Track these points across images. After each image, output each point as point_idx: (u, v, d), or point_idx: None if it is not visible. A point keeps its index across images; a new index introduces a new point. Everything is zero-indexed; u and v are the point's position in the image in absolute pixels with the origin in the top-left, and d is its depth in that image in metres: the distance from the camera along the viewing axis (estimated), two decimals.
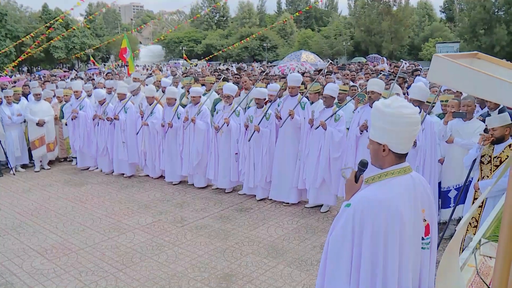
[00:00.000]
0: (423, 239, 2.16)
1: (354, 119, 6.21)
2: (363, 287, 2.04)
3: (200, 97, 7.88)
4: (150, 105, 8.42)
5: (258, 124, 6.90)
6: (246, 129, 7.11)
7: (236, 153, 7.38)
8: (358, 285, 2.06)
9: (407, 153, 2.16)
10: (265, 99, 7.18)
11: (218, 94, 8.63)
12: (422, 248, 2.17)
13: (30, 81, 19.12)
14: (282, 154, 6.95)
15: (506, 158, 4.49)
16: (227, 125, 7.23)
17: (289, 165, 6.91)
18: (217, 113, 7.69)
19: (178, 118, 7.88)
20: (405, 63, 6.99)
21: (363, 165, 2.25)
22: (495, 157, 4.62)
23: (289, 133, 6.86)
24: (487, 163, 4.68)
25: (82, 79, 19.77)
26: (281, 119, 6.79)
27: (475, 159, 4.71)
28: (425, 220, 2.17)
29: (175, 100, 8.16)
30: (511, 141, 4.59)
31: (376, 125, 2.14)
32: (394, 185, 2.09)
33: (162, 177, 8.54)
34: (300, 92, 7.24)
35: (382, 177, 2.13)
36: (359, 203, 2.09)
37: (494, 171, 4.61)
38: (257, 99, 7.13)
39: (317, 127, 6.29)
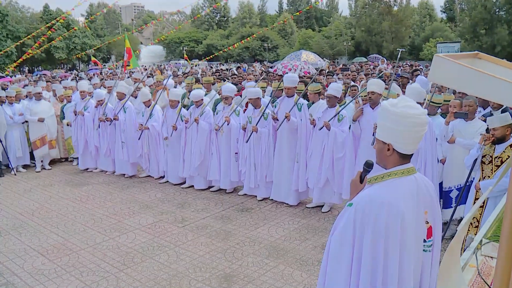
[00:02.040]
0: (424, 241, 2.15)
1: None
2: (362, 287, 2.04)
3: (202, 99, 7.81)
4: (148, 108, 8.41)
5: (256, 125, 6.90)
6: (245, 130, 7.12)
7: (236, 153, 7.38)
8: (358, 285, 2.06)
9: (411, 154, 2.16)
10: (259, 98, 7.16)
11: (220, 94, 8.62)
12: (423, 250, 2.16)
13: (30, 81, 19.14)
14: (280, 156, 6.95)
15: (507, 158, 4.49)
16: (228, 124, 7.24)
17: (287, 167, 6.91)
18: (217, 113, 7.69)
19: (182, 121, 7.86)
20: (400, 50, 6.94)
21: (368, 166, 2.25)
22: (496, 157, 4.62)
23: (285, 135, 6.86)
24: (488, 163, 4.67)
25: (82, 79, 19.78)
26: (277, 120, 6.79)
27: (476, 159, 4.71)
28: (428, 222, 2.16)
29: (178, 102, 8.15)
30: None
31: (382, 124, 2.15)
32: (397, 186, 2.08)
33: (162, 177, 8.53)
34: (298, 92, 7.32)
35: (385, 177, 2.12)
36: (360, 202, 2.09)
37: (495, 171, 4.60)
38: (251, 100, 7.13)
39: (321, 128, 6.28)
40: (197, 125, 7.57)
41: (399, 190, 2.07)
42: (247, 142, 7.05)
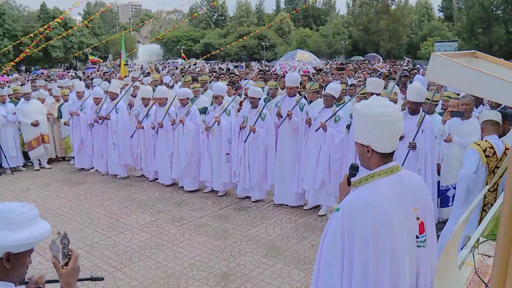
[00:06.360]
0: (417, 237, 2.14)
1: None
2: None
3: (188, 98, 7.70)
4: (145, 106, 8.34)
5: (254, 125, 6.80)
6: (241, 130, 6.97)
7: (227, 154, 7.21)
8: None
9: (393, 152, 2.16)
10: (259, 98, 7.02)
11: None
12: (417, 246, 2.15)
13: (26, 79, 19.07)
14: (282, 157, 6.81)
15: None
16: (218, 124, 7.10)
17: (288, 168, 6.77)
18: (208, 113, 7.53)
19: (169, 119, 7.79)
20: (406, 60, 7.01)
21: (354, 169, 2.24)
22: None
23: (287, 135, 6.73)
24: None
25: (79, 77, 19.75)
26: (282, 117, 6.63)
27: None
28: (419, 218, 2.15)
29: (166, 99, 8.07)
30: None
31: (358, 127, 2.15)
32: (381, 186, 2.08)
33: (157, 179, 8.45)
34: (297, 92, 7.26)
35: (369, 179, 2.12)
36: (346, 207, 2.09)
37: None
38: (251, 98, 6.93)
39: (318, 129, 6.13)
40: (183, 126, 7.48)
41: (383, 190, 2.07)
42: (245, 142, 6.90)
